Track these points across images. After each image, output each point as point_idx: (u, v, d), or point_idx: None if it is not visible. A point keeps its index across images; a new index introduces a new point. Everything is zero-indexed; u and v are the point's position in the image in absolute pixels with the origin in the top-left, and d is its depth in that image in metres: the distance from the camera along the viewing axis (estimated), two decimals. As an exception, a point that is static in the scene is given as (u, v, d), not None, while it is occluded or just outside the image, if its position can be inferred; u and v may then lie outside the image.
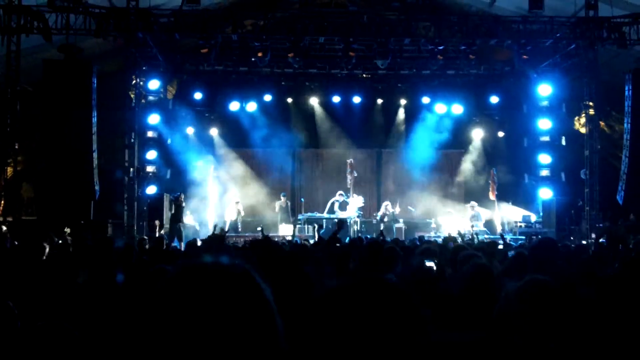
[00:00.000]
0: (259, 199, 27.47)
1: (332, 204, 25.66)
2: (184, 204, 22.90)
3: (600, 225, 22.02)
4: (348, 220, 24.09)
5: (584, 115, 23.48)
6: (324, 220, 24.86)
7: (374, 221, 25.28)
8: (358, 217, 24.82)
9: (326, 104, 27.82)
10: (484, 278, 5.28)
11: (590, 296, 4.75)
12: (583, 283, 5.64)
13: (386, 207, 25.12)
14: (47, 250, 8.76)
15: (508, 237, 19.15)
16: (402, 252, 8.10)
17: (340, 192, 25.70)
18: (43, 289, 5.52)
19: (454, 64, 25.05)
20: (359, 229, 24.41)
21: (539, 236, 20.09)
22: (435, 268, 6.60)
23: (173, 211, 22.63)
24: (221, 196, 26.53)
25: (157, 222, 22.16)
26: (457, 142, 28.39)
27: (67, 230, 17.87)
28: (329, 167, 28.33)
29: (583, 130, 23.70)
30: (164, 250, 11.79)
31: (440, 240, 18.55)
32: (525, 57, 23.11)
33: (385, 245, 8.74)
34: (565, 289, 4.38)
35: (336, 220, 20.18)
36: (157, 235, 20.37)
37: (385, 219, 24.51)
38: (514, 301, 3.56)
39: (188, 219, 24.11)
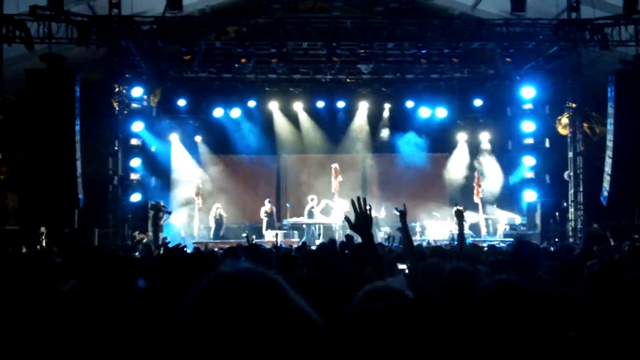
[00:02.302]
0: (244, 205, 27.46)
1: (310, 210, 25.66)
2: (161, 212, 22.86)
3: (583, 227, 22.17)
4: (333, 226, 24.10)
5: (565, 116, 23.61)
6: (310, 226, 24.95)
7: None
8: (344, 222, 24.77)
9: (310, 109, 27.80)
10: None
11: (567, 296, 4.76)
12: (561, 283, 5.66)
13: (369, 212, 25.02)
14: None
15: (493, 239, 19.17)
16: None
17: (312, 196, 25.72)
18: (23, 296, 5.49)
19: (437, 68, 25.08)
20: (342, 234, 24.36)
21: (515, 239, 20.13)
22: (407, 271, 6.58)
23: (161, 220, 22.65)
24: (206, 203, 26.44)
25: (142, 234, 21.94)
26: (441, 146, 28.41)
27: (43, 230, 17.80)
28: (314, 172, 28.25)
29: (563, 131, 23.82)
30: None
31: (424, 244, 18.61)
32: (508, 59, 23.18)
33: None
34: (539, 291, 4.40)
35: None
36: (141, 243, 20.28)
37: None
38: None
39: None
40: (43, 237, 17.80)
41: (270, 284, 1.80)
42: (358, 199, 4.52)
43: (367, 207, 4.50)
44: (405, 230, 5.02)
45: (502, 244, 17.89)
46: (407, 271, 6.63)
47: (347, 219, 4.62)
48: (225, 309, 1.71)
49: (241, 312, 1.70)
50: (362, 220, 4.45)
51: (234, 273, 1.80)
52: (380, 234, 23.72)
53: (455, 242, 15.88)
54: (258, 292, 1.75)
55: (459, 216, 8.20)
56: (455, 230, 20.18)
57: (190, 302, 1.76)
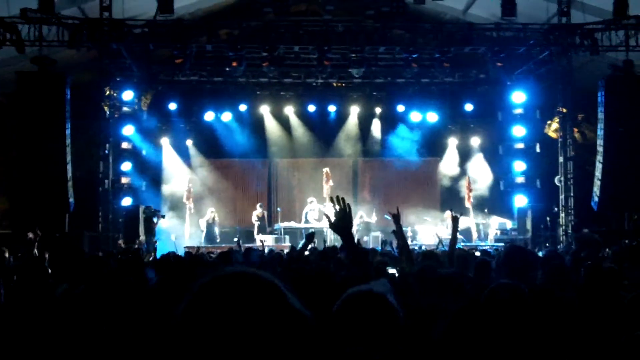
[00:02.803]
0: (236, 210, 27.44)
1: (307, 213, 25.67)
2: (155, 217, 22.78)
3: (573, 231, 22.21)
4: (324, 230, 24.04)
5: (555, 120, 23.67)
6: (302, 231, 24.90)
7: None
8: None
9: (301, 113, 27.73)
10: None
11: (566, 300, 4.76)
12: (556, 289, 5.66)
13: (360, 217, 25.11)
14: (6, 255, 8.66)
15: (484, 244, 19.16)
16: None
17: (311, 199, 25.74)
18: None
19: (428, 72, 25.08)
20: (334, 238, 24.29)
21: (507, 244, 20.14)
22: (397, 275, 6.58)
23: (154, 224, 22.57)
24: (197, 207, 26.38)
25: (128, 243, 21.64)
26: (432, 150, 28.40)
27: (30, 235, 17.69)
28: (305, 176, 28.26)
29: (553, 134, 23.89)
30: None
31: (417, 248, 18.60)
32: (499, 64, 23.22)
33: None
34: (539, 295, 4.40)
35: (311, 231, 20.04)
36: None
37: (357, 229, 24.26)
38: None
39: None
40: (36, 241, 17.67)
41: (268, 286, 1.77)
42: (337, 197, 4.51)
43: (347, 205, 4.48)
44: (400, 233, 5.01)
45: (490, 249, 17.89)
46: (397, 275, 6.63)
47: (327, 216, 4.62)
48: (221, 311, 1.68)
49: (239, 314, 1.68)
50: (341, 219, 4.43)
51: (230, 275, 1.78)
52: (366, 238, 23.76)
53: (443, 247, 15.89)
54: (256, 294, 1.73)
55: (455, 221, 8.22)
56: (443, 235, 20.17)
57: (183, 304, 1.74)
